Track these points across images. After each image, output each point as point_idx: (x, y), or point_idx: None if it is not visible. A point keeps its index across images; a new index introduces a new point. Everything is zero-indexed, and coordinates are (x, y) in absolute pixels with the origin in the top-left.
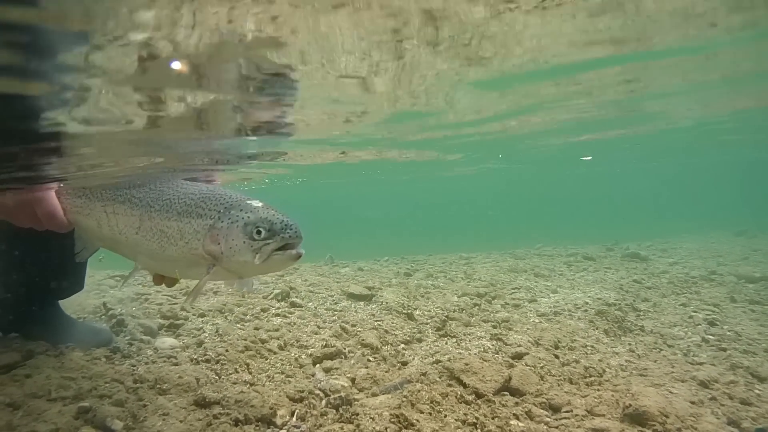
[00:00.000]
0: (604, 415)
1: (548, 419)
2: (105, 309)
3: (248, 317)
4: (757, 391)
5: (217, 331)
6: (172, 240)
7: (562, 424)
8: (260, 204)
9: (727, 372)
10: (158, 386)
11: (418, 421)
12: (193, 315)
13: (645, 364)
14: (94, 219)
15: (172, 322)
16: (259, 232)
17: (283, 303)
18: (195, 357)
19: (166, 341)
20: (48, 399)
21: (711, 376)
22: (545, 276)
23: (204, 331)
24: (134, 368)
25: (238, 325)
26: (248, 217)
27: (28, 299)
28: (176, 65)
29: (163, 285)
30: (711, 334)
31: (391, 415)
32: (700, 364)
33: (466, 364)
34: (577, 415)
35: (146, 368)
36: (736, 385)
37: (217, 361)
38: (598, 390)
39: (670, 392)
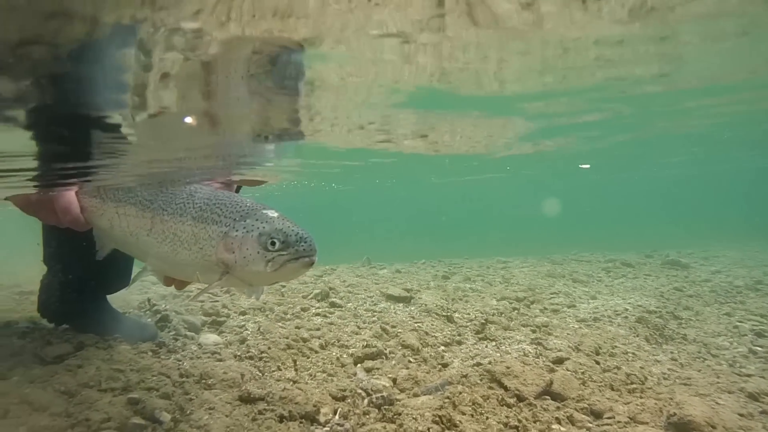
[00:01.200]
0: (647, 423)
1: (590, 425)
2: (149, 305)
3: (289, 316)
4: None
5: (259, 329)
6: (185, 244)
7: (604, 431)
8: (276, 214)
9: None
10: (203, 381)
11: (460, 422)
12: (235, 313)
13: (688, 374)
14: (107, 219)
15: (214, 319)
16: (273, 243)
17: (323, 303)
18: (238, 354)
19: (210, 337)
20: (99, 389)
21: (761, 388)
22: (583, 282)
23: (246, 329)
24: (180, 363)
25: (279, 324)
26: (263, 227)
27: (79, 293)
28: None
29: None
30: (759, 346)
31: (433, 415)
32: (748, 375)
33: (507, 368)
34: (619, 421)
35: (191, 363)
36: None
37: (260, 359)
38: (641, 398)
39: (717, 403)
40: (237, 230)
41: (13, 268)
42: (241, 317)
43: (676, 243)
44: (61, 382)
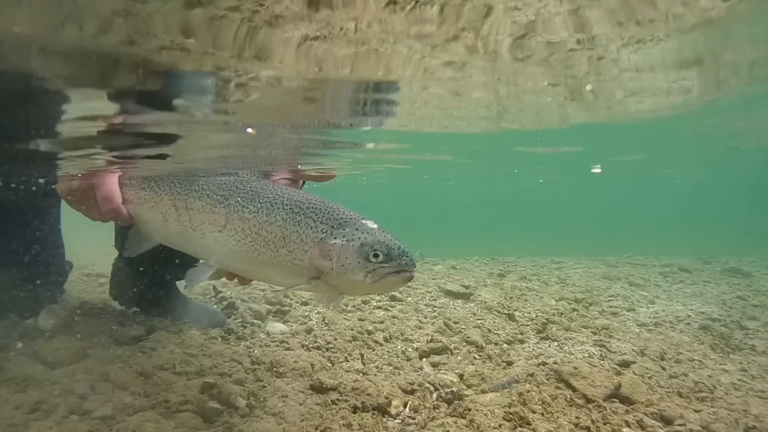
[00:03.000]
0: None
1: (661, 431)
2: (215, 291)
3: (350, 308)
4: None
5: (323, 320)
6: (271, 245)
7: None
8: (375, 225)
9: None
10: (275, 369)
11: (532, 420)
12: (297, 303)
13: (761, 386)
14: (159, 212)
15: (279, 309)
16: (376, 255)
17: (383, 296)
18: (306, 343)
19: (276, 326)
20: (173, 372)
21: None
22: (640, 285)
23: (311, 319)
24: (250, 350)
25: (343, 315)
26: (365, 238)
27: (150, 278)
28: None
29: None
30: None
31: (505, 413)
32: None
33: (575, 368)
34: (691, 429)
35: (261, 351)
36: None
37: (328, 349)
38: (711, 407)
39: None
40: (336, 238)
41: (79, 250)
42: (303, 308)
43: (735, 249)
44: (138, 363)
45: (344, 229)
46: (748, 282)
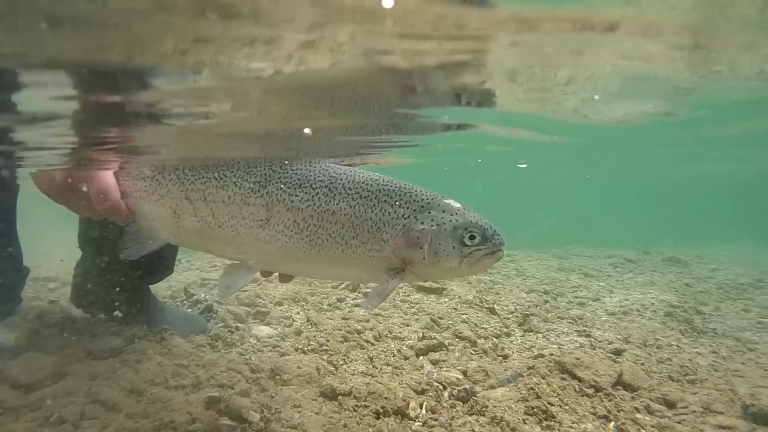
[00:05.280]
0: (722, 413)
1: (668, 414)
2: (187, 294)
3: (325, 306)
4: None
5: (308, 320)
6: (337, 239)
7: (684, 420)
8: (458, 204)
9: None
10: (278, 376)
11: (556, 414)
12: (270, 303)
13: (734, 366)
14: (169, 207)
15: (258, 310)
16: (473, 237)
17: (357, 293)
18: (299, 346)
19: (263, 329)
20: (167, 387)
21: None
22: (595, 276)
23: (294, 320)
24: (245, 357)
25: (326, 315)
26: (457, 220)
27: (120, 281)
28: None
29: (271, 280)
30: None
31: (526, 407)
32: None
33: (577, 359)
34: (694, 411)
35: (258, 357)
36: None
37: (324, 351)
38: (702, 388)
39: None
40: (423, 223)
41: (25, 250)
42: (280, 308)
43: (662, 241)
44: (125, 378)
45: (430, 212)
46: (688, 270)
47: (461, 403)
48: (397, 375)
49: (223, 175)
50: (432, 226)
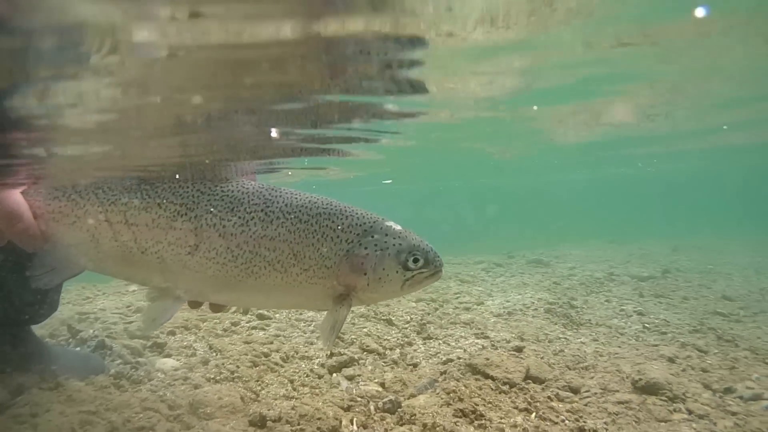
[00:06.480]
0: (618, 391)
1: (576, 399)
2: (71, 331)
3: (220, 331)
4: (708, 362)
5: (211, 348)
6: (277, 266)
7: (590, 402)
8: (400, 227)
9: (681, 350)
10: (200, 410)
11: (483, 412)
12: (162, 333)
13: (614, 350)
14: (86, 230)
15: (155, 342)
16: (416, 261)
17: (250, 315)
18: (211, 376)
19: (167, 362)
20: None
21: (672, 353)
22: (471, 282)
23: (196, 349)
24: (158, 394)
25: (226, 340)
26: (400, 243)
27: (5, 323)
28: None
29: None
30: (646, 323)
31: (454, 411)
32: (655, 345)
33: (487, 359)
34: (596, 393)
35: (172, 392)
36: (691, 359)
37: (236, 379)
38: (594, 372)
39: (654, 368)
40: (366, 247)
41: None
42: (174, 337)
43: (516, 244)
44: None
45: (373, 236)
46: (551, 270)
47: (389, 414)
48: (317, 395)
49: (146, 195)
50: (376, 251)
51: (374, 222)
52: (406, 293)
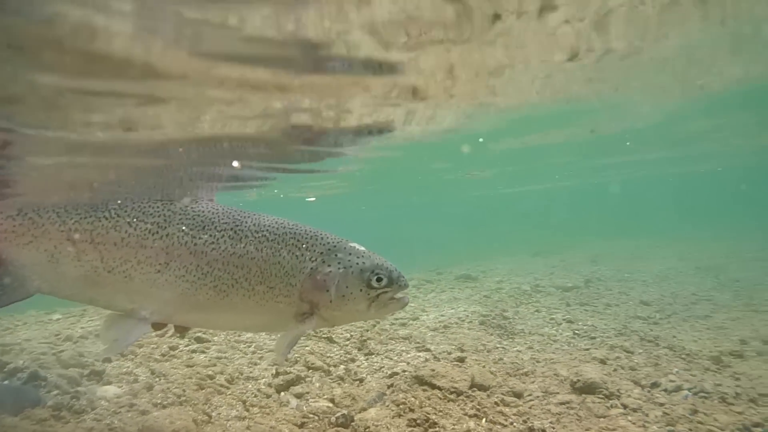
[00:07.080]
0: (558, 393)
1: (521, 403)
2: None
3: (158, 356)
4: (635, 361)
5: (153, 373)
6: (242, 284)
7: (533, 405)
8: (363, 248)
9: (610, 351)
10: None
11: (436, 422)
12: (97, 360)
13: (549, 356)
14: (44, 250)
15: (92, 369)
16: (380, 279)
17: (187, 339)
18: (157, 402)
19: (109, 389)
20: None
21: (603, 355)
22: None
23: (138, 375)
24: (104, 423)
25: (167, 364)
26: (363, 262)
27: None
28: None
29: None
30: (576, 330)
31: (408, 420)
32: (586, 349)
33: (433, 370)
34: (538, 396)
35: (119, 420)
36: (620, 359)
37: (185, 402)
38: (534, 377)
39: (588, 370)
40: (330, 265)
41: None
42: (111, 364)
43: (443, 261)
44: None
45: (337, 255)
46: (479, 284)
47: (343, 428)
48: (269, 413)
49: (115, 215)
50: (339, 268)
51: (338, 242)
52: (375, 317)
